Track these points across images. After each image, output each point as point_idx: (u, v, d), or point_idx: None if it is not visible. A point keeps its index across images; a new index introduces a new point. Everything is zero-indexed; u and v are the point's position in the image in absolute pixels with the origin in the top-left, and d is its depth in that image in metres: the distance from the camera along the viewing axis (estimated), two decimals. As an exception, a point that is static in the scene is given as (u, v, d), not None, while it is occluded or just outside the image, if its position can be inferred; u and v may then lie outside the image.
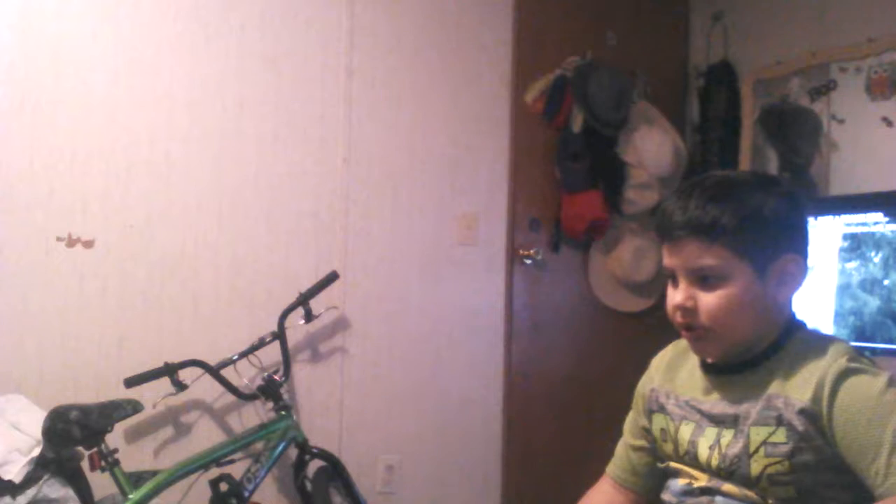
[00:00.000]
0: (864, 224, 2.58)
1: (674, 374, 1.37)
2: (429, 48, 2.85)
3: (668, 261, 1.27)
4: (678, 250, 1.24)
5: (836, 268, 2.62)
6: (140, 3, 2.40)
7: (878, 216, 2.55)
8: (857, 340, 2.54)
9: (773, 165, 3.01)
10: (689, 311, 1.23)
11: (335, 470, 2.38)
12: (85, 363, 2.30)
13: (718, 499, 1.23)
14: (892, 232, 2.51)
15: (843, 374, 1.13)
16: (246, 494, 2.18)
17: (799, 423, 1.15)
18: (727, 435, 1.22)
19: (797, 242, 1.25)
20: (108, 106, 2.35)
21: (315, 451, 2.36)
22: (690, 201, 1.22)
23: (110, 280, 2.34)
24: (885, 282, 2.51)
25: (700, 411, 1.28)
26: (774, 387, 1.19)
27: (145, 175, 2.39)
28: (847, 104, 2.81)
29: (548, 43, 3.05)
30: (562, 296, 3.10)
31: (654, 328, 2.67)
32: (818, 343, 1.21)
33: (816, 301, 2.63)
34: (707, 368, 1.30)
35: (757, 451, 1.18)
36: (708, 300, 1.22)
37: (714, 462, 1.23)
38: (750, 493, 1.19)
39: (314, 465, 2.37)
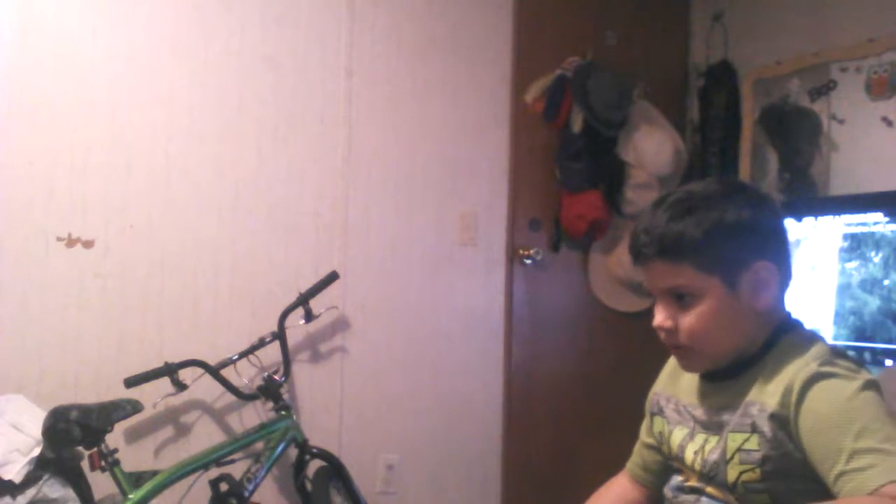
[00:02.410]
0: (864, 224, 2.58)
1: (678, 378, 1.38)
2: (429, 48, 2.85)
3: (645, 282, 1.28)
4: (649, 272, 1.25)
5: (836, 268, 2.62)
6: (140, 3, 2.40)
7: (878, 216, 2.55)
8: (857, 340, 2.54)
9: (773, 165, 3.01)
10: (670, 330, 1.24)
11: (335, 470, 2.38)
12: (85, 363, 2.30)
13: (704, 499, 1.24)
14: (892, 232, 2.51)
15: (812, 379, 1.12)
16: (246, 494, 2.18)
17: (769, 429, 1.14)
18: (712, 441, 1.23)
19: (767, 248, 1.23)
20: (108, 106, 2.35)
21: (315, 451, 2.36)
22: (654, 221, 1.22)
23: (110, 280, 2.34)
24: (885, 282, 2.50)
25: (694, 417, 1.29)
26: (753, 393, 1.19)
27: (145, 175, 2.40)
28: (847, 104, 2.80)
29: (548, 43, 3.05)
30: (562, 296, 3.10)
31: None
32: (799, 347, 1.19)
33: (816, 301, 2.63)
34: (703, 374, 1.31)
35: (732, 457, 1.18)
36: (685, 320, 1.22)
37: (697, 466, 1.24)
38: (730, 498, 1.19)
39: (314, 465, 2.37)
